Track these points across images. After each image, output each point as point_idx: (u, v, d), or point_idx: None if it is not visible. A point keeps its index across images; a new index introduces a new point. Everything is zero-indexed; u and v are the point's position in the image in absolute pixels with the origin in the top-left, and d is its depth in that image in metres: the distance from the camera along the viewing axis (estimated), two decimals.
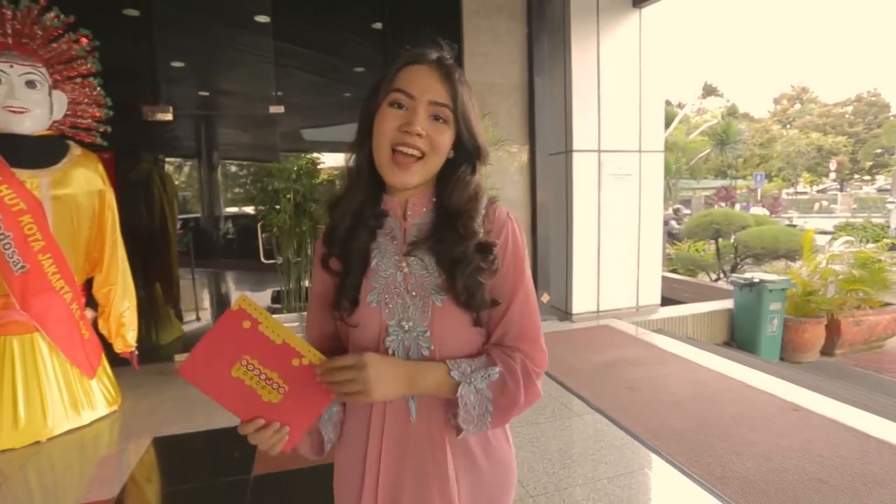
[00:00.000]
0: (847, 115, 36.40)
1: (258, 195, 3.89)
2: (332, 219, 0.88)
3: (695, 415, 2.91)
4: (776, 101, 44.96)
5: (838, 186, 31.16)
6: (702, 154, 19.40)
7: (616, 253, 5.13)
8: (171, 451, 2.75)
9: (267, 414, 0.77)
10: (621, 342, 4.33)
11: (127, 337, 3.30)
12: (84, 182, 2.98)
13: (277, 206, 3.79)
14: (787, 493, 2.15)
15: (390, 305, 0.84)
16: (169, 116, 4.03)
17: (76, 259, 3.03)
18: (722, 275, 8.83)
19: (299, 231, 3.85)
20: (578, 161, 4.90)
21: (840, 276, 5.38)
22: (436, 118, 0.82)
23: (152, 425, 2.99)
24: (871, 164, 30.24)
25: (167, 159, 4.41)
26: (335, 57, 5.00)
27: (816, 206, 25.24)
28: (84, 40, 2.97)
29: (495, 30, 4.68)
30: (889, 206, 11.63)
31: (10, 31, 2.71)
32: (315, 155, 4.12)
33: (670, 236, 12.32)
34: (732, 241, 8.57)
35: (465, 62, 4.59)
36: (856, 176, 33.58)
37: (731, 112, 24.56)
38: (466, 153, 0.86)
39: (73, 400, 2.97)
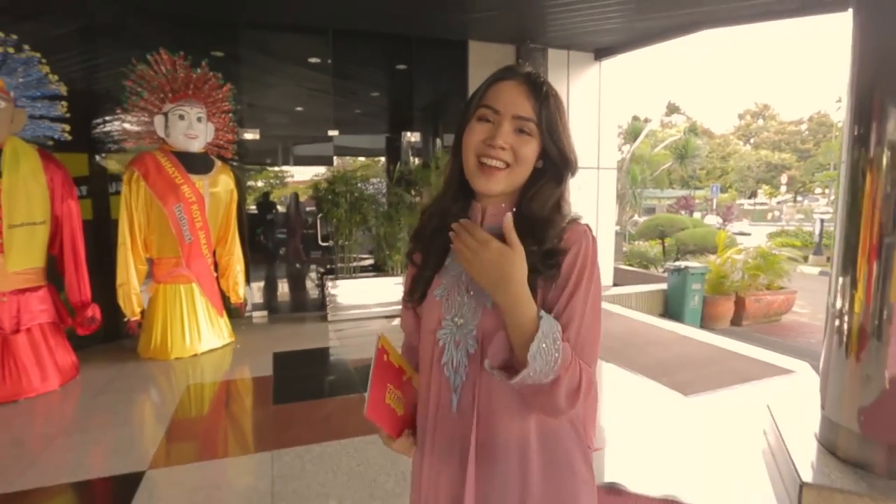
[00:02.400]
0: (801, 133, 39.32)
1: (323, 194, 5.37)
2: (421, 219, 0.95)
3: (624, 342, 4.53)
4: (741, 117, 47.86)
5: (792, 198, 33.87)
6: (665, 166, 21.35)
7: None
8: (286, 359, 4.23)
9: (401, 425, 0.93)
10: None
11: (238, 291, 4.77)
12: (224, 184, 4.45)
13: (337, 205, 5.28)
14: (665, 368, 3.77)
15: (450, 301, 0.90)
16: (256, 135, 5.51)
17: (214, 236, 4.49)
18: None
19: (352, 222, 5.35)
20: None
21: (746, 265, 7.12)
22: (520, 131, 0.85)
23: (267, 347, 4.47)
24: (810, 179, 32.92)
25: (251, 166, 5.87)
26: (372, 88, 6.57)
27: (770, 215, 27.67)
28: (226, 88, 4.45)
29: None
30: (815, 216, 13.58)
31: (190, 87, 4.18)
32: (362, 159, 5.66)
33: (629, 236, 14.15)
34: (673, 240, 10.44)
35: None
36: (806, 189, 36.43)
37: (692, 128, 26.87)
38: (553, 164, 0.88)
39: (213, 329, 4.43)
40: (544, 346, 0.76)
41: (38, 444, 2.81)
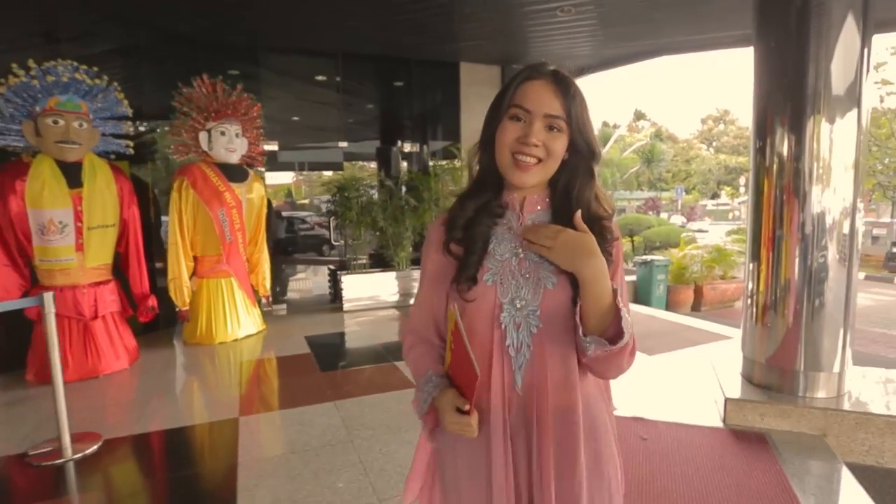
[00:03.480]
0: None
1: (335, 198, 6.09)
2: (452, 210, 1.00)
3: None
4: (703, 122, 49.97)
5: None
6: (633, 169, 22.62)
7: None
8: (317, 340, 4.93)
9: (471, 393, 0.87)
10: None
11: (266, 285, 5.45)
12: (257, 191, 5.14)
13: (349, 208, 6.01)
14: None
15: (504, 285, 0.93)
16: (275, 146, 6.20)
17: (248, 237, 5.17)
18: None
19: (362, 223, 6.08)
20: None
21: (703, 259, 8.11)
22: (550, 128, 0.91)
23: (296, 332, 5.17)
24: None
25: (271, 173, 6.55)
26: (374, 103, 7.33)
27: (731, 215, 29.34)
28: (257, 108, 5.14)
29: (480, 93, 7.07)
30: None
31: (229, 107, 4.86)
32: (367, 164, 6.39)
33: None
34: (641, 237, 11.53)
35: (462, 114, 6.98)
36: None
37: (658, 134, 28.39)
38: (580, 155, 0.95)
39: (249, 317, 5.10)
40: (627, 315, 0.87)
41: (137, 403, 3.49)
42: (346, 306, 6.04)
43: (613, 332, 0.88)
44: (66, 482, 2.58)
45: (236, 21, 5.20)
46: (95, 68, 3.98)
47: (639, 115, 29.12)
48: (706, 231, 14.71)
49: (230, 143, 4.83)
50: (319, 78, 6.91)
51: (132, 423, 3.13)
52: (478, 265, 0.95)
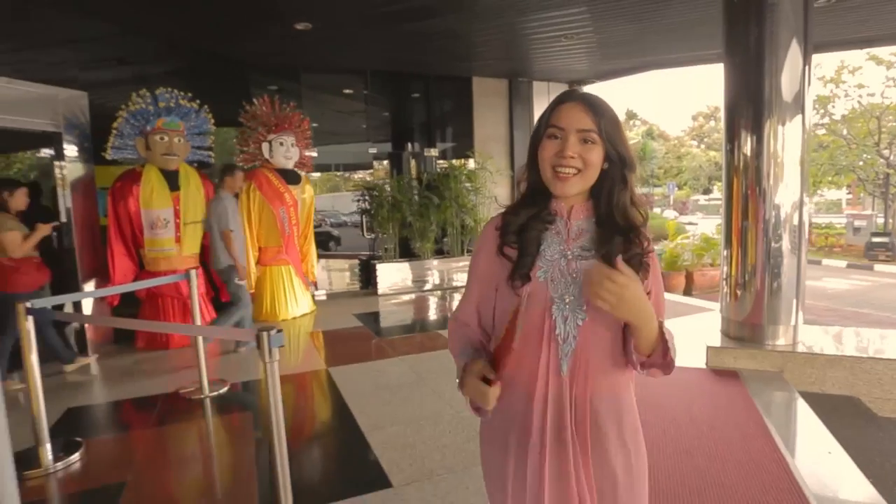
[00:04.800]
0: None
1: (369, 197, 6.96)
2: (506, 217, 1.11)
3: None
4: (694, 118, 51.09)
5: None
6: None
7: None
8: (364, 317, 5.79)
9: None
10: None
11: (314, 272, 6.31)
12: (308, 192, 6.00)
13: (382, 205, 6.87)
14: None
15: (555, 282, 1.03)
16: (314, 153, 7.04)
17: (301, 231, 6.02)
18: None
19: (392, 218, 6.94)
20: None
21: (693, 248, 9.04)
22: (585, 141, 1.01)
23: (344, 312, 6.03)
24: None
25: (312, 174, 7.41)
26: (395, 112, 8.21)
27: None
28: (307, 121, 5.99)
29: (491, 104, 7.96)
30: None
31: (286, 122, 5.71)
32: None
33: None
34: None
35: (475, 121, 7.86)
36: None
37: (649, 133, 29.42)
38: (616, 166, 1.04)
39: (303, 299, 5.96)
40: (672, 345, 1.00)
41: (238, 361, 4.34)
42: (380, 290, 6.91)
43: (661, 351, 1.00)
44: (207, 410, 3.45)
45: (281, 47, 6.04)
46: (190, 94, 4.83)
47: (630, 115, 30.20)
48: (696, 224, 15.86)
49: (287, 151, 5.69)
50: (347, 91, 7.78)
51: (243, 374, 3.99)
52: (531, 263, 1.05)
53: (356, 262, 7.67)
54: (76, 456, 2.79)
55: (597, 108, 1.01)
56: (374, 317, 5.88)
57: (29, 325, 2.69)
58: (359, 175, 8.71)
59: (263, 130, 5.62)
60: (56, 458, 2.72)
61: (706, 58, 6.77)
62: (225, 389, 3.70)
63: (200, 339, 3.65)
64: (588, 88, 8.50)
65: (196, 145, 5.04)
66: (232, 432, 3.25)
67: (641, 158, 20.96)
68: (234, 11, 4.85)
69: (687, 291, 8.98)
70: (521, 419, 1.06)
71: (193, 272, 3.75)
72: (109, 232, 4.67)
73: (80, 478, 2.64)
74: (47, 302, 3.02)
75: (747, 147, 3.82)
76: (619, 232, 1.03)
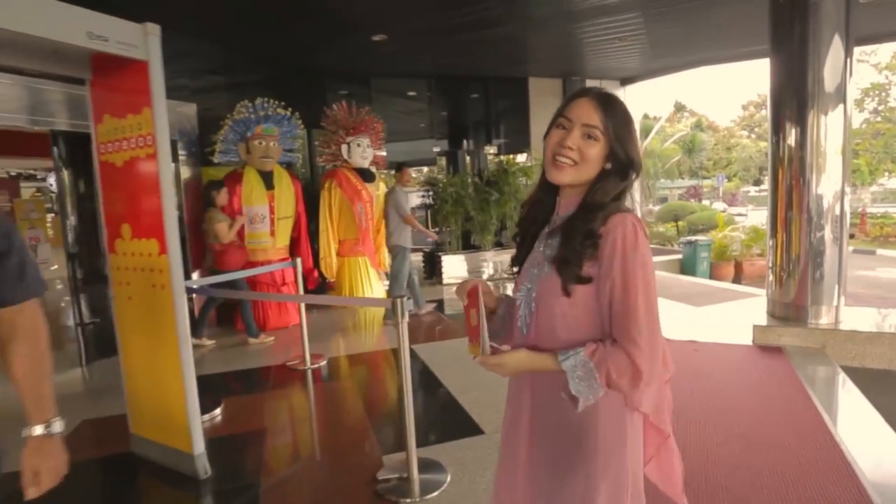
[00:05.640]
0: None
1: (433, 193, 7.54)
2: (523, 208, 1.22)
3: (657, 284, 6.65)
4: (744, 108, 49.44)
5: None
6: (674, 159, 23.36)
7: None
8: (434, 302, 6.38)
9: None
10: None
11: (385, 263, 6.93)
12: (381, 189, 6.62)
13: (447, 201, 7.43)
14: (686, 296, 5.87)
15: (528, 272, 1.14)
16: (383, 152, 7.67)
17: (375, 225, 6.65)
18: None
19: (456, 213, 7.50)
20: None
21: (743, 239, 9.22)
22: (587, 136, 1.03)
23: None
24: None
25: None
26: (452, 112, 8.76)
27: None
28: (380, 124, 6.59)
29: (545, 102, 8.38)
30: None
31: (362, 125, 6.33)
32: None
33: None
34: (685, 222, 12.68)
35: (531, 119, 8.31)
36: None
37: (698, 124, 28.92)
38: (620, 164, 1.06)
39: (377, 287, 6.60)
40: (581, 378, 0.98)
41: (330, 339, 4.99)
42: (444, 280, 7.50)
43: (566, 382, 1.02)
44: (308, 380, 4.08)
45: (356, 56, 6.65)
46: (283, 103, 5.51)
47: (679, 107, 29.73)
48: (745, 215, 15.85)
49: (364, 152, 6.32)
50: (410, 93, 8.38)
51: (337, 350, 4.64)
52: (520, 259, 1.19)
53: (420, 254, 8.30)
54: (218, 411, 3.45)
55: (607, 107, 1.05)
56: (440, 303, 6.45)
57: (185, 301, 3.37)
58: (418, 172, 9.31)
59: (343, 133, 6.26)
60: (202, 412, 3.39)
61: (752, 54, 7.00)
62: (323, 363, 4.34)
63: (304, 319, 4.30)
64: (638, 84, 8.81)
65: (287, 148, 5.72)
66: (337, 394, 3.88)
67: (690, 150, 20.80)
68: (318, 28, 5.49)
69: (736, 281, 9.15)
70: (513, 388, 1.22)
71: (299, 259, 4.39)
72: None
73: (226, 426, 3.28)
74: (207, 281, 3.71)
75: (792, 138, 4.14)
76: (587, 216, 1.05)
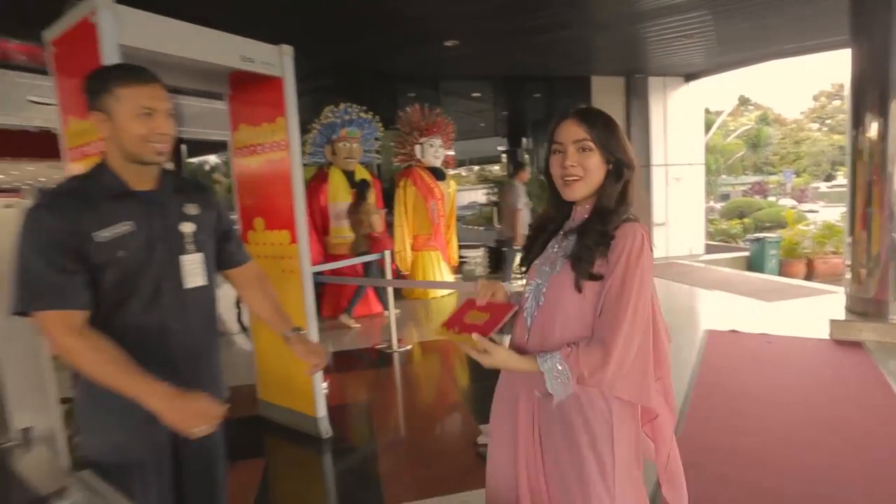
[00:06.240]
0: None
1: (499, 190, 7.79)
2: (537, 221, 1.34)
3: (725, 282, 6.64)
4: (815, 99, 46.78)
5: None
6: (738, 155, 22.55)
7: (677, 223, 8.86)
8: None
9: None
10: (682, 266, 8.09)
11: (455, 257, 7.26)
12: (452, 187, 6.95)
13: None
14: (756, 292, 5.87)
15: (538, 269, 1.22)
16: (451, 152, 8.01)
17: (446, 221, 6.99)
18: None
19: None
20: (655, 171, 8.68)
21: (815, 235, 8.96)
22: (581, 150, 1.13)
23: None
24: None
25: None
26: (515, 112, 9.00)
27: None
28: (451, 125, 6.91)
29: (609, 100, 8.47)
30: None
31: (435, 126, 6.67)
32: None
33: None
34: (751, 219, 12.35)
35: None
36: None
37: (763, 118, 27.71)
38: (616, 165, 1.15)
39: (448, 277, 6.93)
40: (556, 378, 1.08)
41: (412, 325, 5.36)
42: (513, 275, 7.74)
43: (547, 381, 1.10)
44: (396, 361, 4.43)
45: (426, 60, 7.01)
46: (365, 107, 5.92)
47: (743, 101, 28.52)
48: (816, 211, 15.26)
49: (436, 152, 6.66)
50: (475, 94, 8.68)
51: (420, 336, 4.99)
52: (528, 259, 1.29)
53: (483, 250, 8.58)
54: (324, 385, 3.83)
55: (589, 120, 1.14)
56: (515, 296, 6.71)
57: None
58: (482, 169, 9.63)
59: (416, 134, 6.62)
60: None
61: (827, 45, 6.84)
62: (409, 347, 4.70)
63: (392, 305, 4.66)
64: (703, 80, 8.75)
65: (367, 149, 6.14)
66: (427, 374, 4.22)
67: (755, 145, 20.06)
68: (396, 36, 5.87)
69: (808, 279, 8.91)
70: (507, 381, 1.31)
71: (387, 252, 4.76)
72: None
73: (334, 397, 3.61)
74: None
75: (873, 130, 4.12)
76: (601, 220, 1.14)
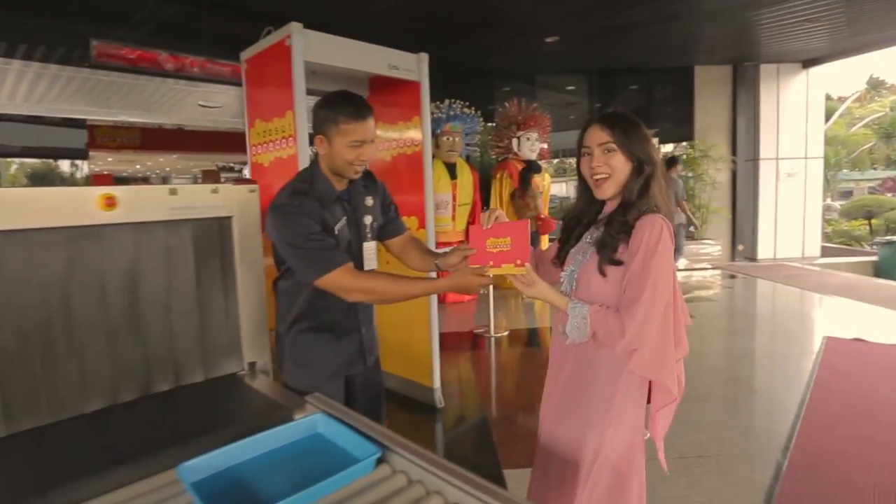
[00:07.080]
0: None
1: None
2: (569, 214, 1.44)
3: (849, 287, 6.22)
4: None
5: None
6: (866, 146, 20.36)
7: (787, 223, 8.33)
8: None
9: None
10: (793, 269, 7.62)
11: (542, 247, 7.36)
12: (546, 179, 7.04)
13: None
14: (887, 301, 5.46)
15: (573, 257, 1.34)
16: (546, 145, 8.10)
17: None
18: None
19: None
20: (763, 165, 8.21)
21: None
22: (606, 151, 1.25)
23: None
24: None
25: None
26: (610, 105, 8.89)
27: None
28: (547, 120, 7.01)
29: (713, 91, 8.13)
30: None
31: (532, 120, 6.81)
32: None
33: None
34: (882, 219, 11.19)
35: (696, 109, 8.12)
36: None
37: None
38: (639, 163, 1.26)
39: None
40: (576, 323, 1.21)
41: (505, 314, 5.58)
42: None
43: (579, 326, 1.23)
44: (492, 346, 4.67)
45: (524, 56, 7.14)
46: (466, 102, 6.19)
47: (874, 85, 25.21)
48: None
49: (532, 146, 6.79)
50: (569, 88, 8.67)
51: (517, 324, 5.20)
52: (563, 251, 1.40)
53: None
54: None
55: (611, 123, 1.26)
56: None
57: None
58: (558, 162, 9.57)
59: (514, 128, 6.79)
60: None
61: None
62: (506, 333, 4.93)
63: (492, 292, 4.91)
64: (825, 66, 8.13)
65: (468, 143, 6.41)
66: (526, 356, 4.44)
67: (888, 135, 18.08)
68: (499, 35, 6.07)
69: None
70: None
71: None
72: None
73: (443, 374, 3.87)
74: None
75: None
76: (624, 211, 1.25)
